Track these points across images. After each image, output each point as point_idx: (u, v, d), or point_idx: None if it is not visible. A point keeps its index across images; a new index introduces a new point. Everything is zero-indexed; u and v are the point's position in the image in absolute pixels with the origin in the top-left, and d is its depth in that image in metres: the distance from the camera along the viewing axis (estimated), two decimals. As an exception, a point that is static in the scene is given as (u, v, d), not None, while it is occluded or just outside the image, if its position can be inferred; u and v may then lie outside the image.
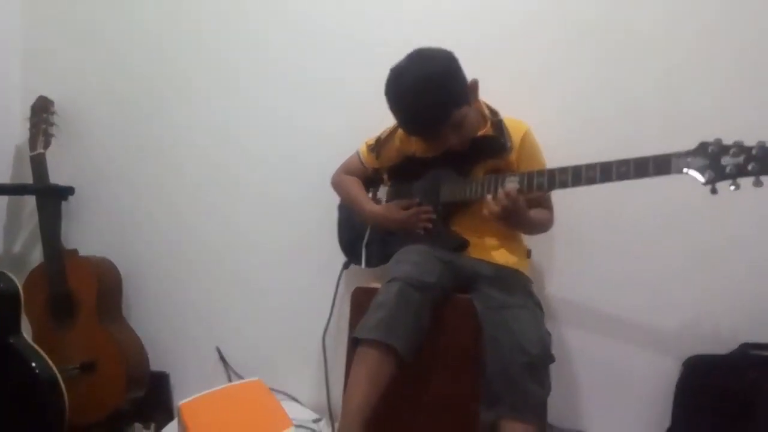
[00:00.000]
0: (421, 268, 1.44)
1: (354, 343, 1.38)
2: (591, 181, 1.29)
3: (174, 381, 2.15)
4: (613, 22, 1.79)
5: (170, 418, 1.94)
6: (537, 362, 1.32)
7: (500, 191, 1.38)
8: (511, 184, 1.40)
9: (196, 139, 2.17)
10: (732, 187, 1.13)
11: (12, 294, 1.80)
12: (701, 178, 1.16)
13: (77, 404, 1.81)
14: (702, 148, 1.17)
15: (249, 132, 2.12)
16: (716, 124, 1.60)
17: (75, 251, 2.12)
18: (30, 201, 2.24)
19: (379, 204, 1.75)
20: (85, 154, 2.26)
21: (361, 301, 1.53)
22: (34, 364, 1.76)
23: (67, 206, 2.19)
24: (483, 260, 1.57)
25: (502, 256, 1.58)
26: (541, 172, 1.39)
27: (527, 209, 1.46)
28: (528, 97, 1.81)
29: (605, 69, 1.79)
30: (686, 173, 1.18)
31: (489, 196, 1.40)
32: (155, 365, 2.13)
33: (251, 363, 2.06)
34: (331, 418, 1.93)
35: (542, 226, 1.63)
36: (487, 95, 1.62)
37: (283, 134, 2.09)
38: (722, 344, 1.65)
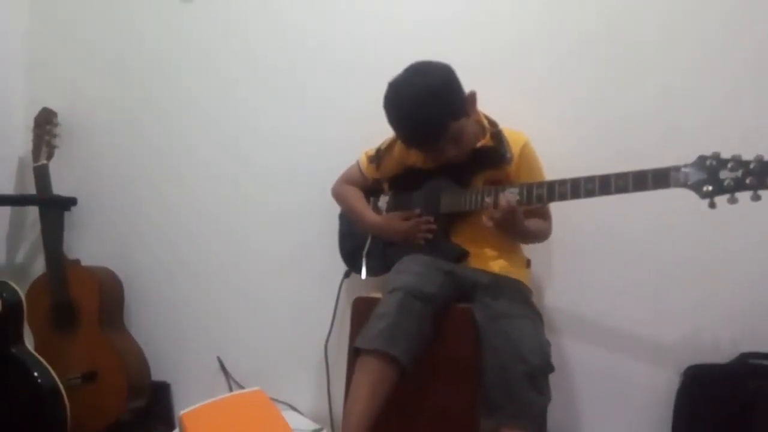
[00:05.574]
0: (423, 278, 1.44)
1: (355, 353, 1.37)
2: (590, 193, 1.30)
3: (175, 391, 2.15)
4: (613, 36, 1.80)
5: (171, 428, 1.95)
6: (537, 371, 1.32)
7: (501, 198, 1.39)
8: (511, 196, 1.41)
9: (198, 151, 2.18)
10: (729, 202, 1.14)
11: (15, 304, 1.82)
12: (699, 192, 1.17)
13: (79, 414, 1.82)
14: (700, 162, 1.18)
15: (250, 142, 2.13)
16: (715, 137, 1.62)
17: (77, 261, 2.12)
18: (33, 211, 2.24)
19: (379, 213, 1.76)
20: (87, 165, 2.27)
21: (361, 310, 1.53)
22: (36, 374, 1.78)
23: (70, 216, 2.19)
24: (483, 270, 1.58)
25: (501, 267, 1.59)
26: (540, 184, 1.40)
27: (524, 220, 1.48)
28: (528, 109, 1.82)
29: (605, 82, 1.80)
30: (684, 187, 1.19)
31: (489, 200, 1.41)
32: (156, 375, 2.12)
33: (252, 373, 2.06)
34: (332, 428, 1.93)
35: (540, 236, 1.64)
36: (487, 108, 1.64)
37: (284, 144, 2.10)
38: (722, 354, 1.66)
